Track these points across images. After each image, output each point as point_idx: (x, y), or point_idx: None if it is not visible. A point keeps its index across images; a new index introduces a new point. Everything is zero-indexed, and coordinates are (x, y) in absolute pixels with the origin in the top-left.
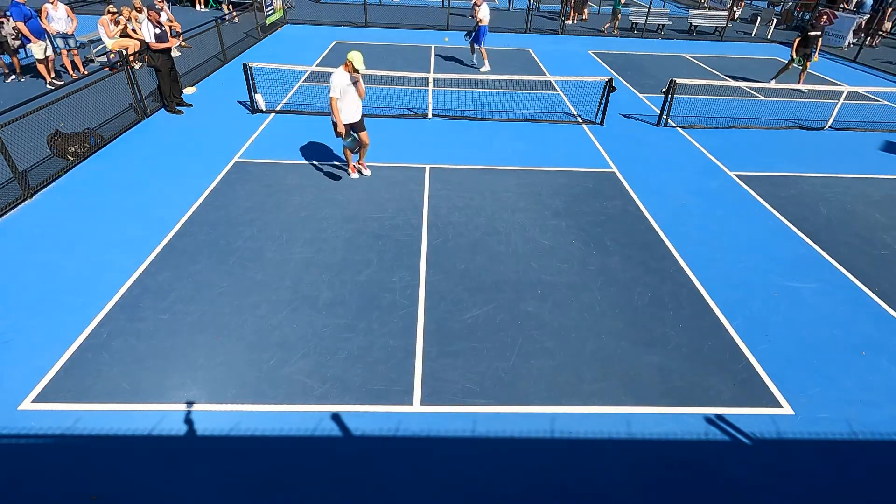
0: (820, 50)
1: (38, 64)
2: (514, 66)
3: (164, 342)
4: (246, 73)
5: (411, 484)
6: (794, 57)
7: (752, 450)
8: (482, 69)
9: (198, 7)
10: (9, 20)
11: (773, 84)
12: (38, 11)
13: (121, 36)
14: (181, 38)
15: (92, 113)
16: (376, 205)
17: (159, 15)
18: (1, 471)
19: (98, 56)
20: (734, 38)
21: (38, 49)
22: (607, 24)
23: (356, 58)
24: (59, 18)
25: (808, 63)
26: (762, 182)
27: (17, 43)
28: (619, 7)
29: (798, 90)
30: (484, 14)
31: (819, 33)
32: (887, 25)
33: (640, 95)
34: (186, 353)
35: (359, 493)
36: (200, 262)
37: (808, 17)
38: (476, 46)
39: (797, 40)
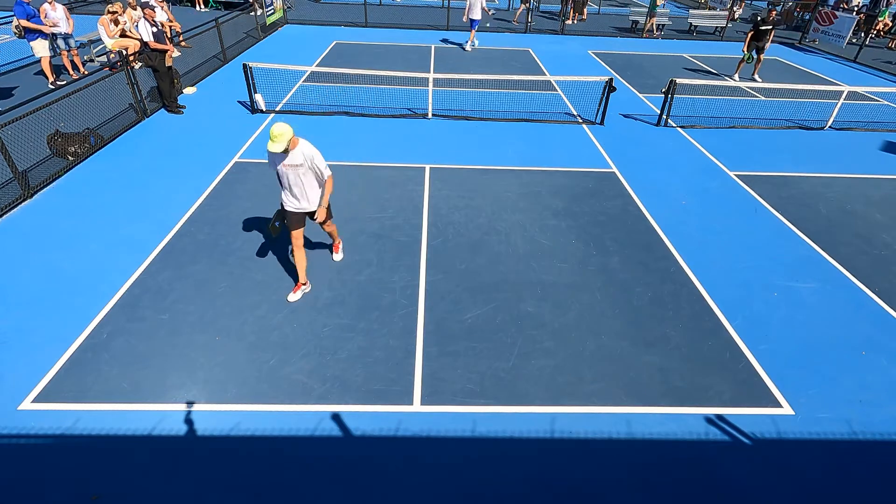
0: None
1: (42, 61)
2: (515, 66)
3: (164, 342)
4: (246, 73)
5: (411, 484)
6: (746, 53)
7: (752, 450)
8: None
9: (198, 7)
10: None
11: (736, 79)
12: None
13: (121, 36)
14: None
15: (92, 113)
16: (376, 205)
17: (154, 12)
18: (1, 471)
19: (98, 56)
20: (734, 38)
21: (40, 47)
22: (648, 26)
23: (273, 132)
24: (58, 19)
25: (762, 55)
26: (762, 182)
27: None
28: (655, 9)
29: (754, 79)
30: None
31: (770, 27)
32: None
33: (640, 95)
34: (186, 353)
35: (359, 493)
36: (200, 262)
37: (807, 17)
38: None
39: (749, 34)
